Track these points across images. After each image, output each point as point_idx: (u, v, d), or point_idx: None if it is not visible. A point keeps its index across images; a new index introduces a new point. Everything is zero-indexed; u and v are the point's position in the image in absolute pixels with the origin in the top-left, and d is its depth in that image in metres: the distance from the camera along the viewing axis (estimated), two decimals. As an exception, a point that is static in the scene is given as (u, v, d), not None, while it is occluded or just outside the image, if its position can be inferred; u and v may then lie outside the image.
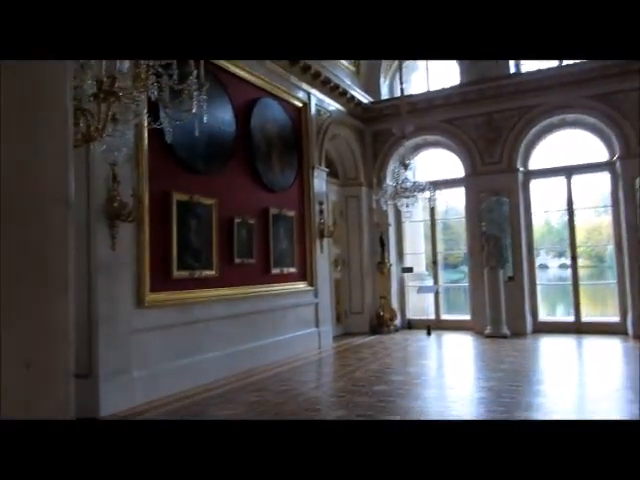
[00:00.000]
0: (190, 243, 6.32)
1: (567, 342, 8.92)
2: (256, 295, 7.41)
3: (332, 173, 10.30)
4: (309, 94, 8.90)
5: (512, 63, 9.91)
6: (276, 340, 7.72)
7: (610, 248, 10.02)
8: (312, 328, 8.76)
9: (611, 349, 8.19)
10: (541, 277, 10.60)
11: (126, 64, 3.79)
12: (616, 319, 9.54)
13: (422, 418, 4.68)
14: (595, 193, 10.45)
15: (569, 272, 10.12)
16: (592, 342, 8.79)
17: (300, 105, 8.76)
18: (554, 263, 12.71)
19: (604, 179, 9.72)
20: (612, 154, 9.39)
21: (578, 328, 9.63)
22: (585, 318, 9.82)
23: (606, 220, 10.05)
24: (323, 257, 9.22)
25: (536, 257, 10.42)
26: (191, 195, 6.31)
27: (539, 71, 9.58)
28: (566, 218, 10.10)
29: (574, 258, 9.93)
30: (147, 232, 5.68)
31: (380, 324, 10.52)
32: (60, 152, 1.88)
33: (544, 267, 12.29)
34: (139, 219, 5.50)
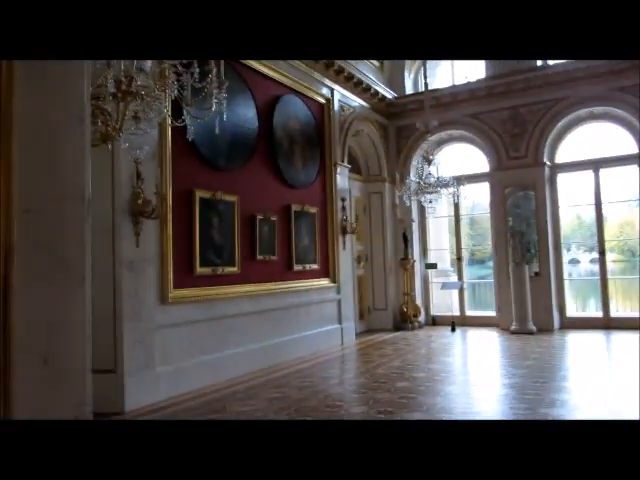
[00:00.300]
0: (212, 240, 6.39)
1: (594, 338, 8.74)
2: (278, 291, 7.45)
3: (355, 169, 10.28)
4: (332, 90, 8.89)
5: (538, 55, 9.70)
6: (299, 336, 7.76)
7: (627, 243, 9.76)
8: (335, 324, 8.77)
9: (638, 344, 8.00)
10: (572, 272, 10.42)
11: (149, 63, 3.86)
12: (644, 315, 9.30)
13: (444, 415, 4.65)
14: (625, 186, 10.18)
15: (595, 267, 9.92)
16: (620, 337, 8.60)
17: (323, 101, 8.76)
18: (585, 258, 12.47)
19: (634, 172, 9.45)
20: (643, 146, 9.13)
21: (607, 323, 9.43)
22: (614, 313, 9.60)
23: (622, 215, 9.79)
24: (346, 253, 9.22)
25: (567, 252, 10.23)
26: (213, 192, 6.38)
27: (567, 63, 9.35)
28: (594, 212, 9.87)
29: (602, 253, 9.70)
30: (170, 229, 5.76)
31: (404, 320, 10.46)
32: (78, 151, 1.93)
33: (575, 262, 12.06)
34: (162, 216, 5.58)
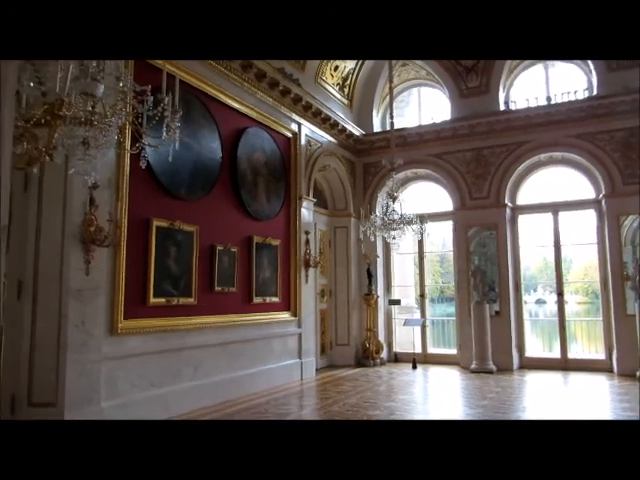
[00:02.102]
0: (169, 270, 6.26)
1: (552, 378, 8.79)
2: (236, 324, 7.32)
3: (322, 203, 10.33)
4: (299, 125, 8.99)
5: (502, 101, 10.05)
6: (256, 371, 7.60)
7: (584, 285, 9.99)
8: (295, 359, 8.64)
9: (595, 387, 8.07)
10: (539, 312, 10.57)
11: (101, 88, 3.81)
12: (602, 357, 9.44)
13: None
14: (584, 230, 10.48)
15: (555, 308, 10.09)
16: (577, 379, 8.67)
17: (290, 135, 8.84)
18: (551, 298, 12.69)
19: (591, 216, 9.74)
20: (598, 192, 9.45)
21: (565, 365, 9.52)
22: (572, 355, 9.73)
23: (579, 257, 10.09)
24: (308, 287, 9.16)
25: (534, 292, 10.40)
26: (172, 221, 6.29)
27: (528, 109, 9.72)
28: (553, 254, 10.10)
29: (561, 294, 9.88)
30: (124, 258, 5.63)
31: (366, 356, 10.38)
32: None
33: (542, 302, 12.25)
34: (116, 244, 5.45)
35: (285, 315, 8.51)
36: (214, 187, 7.06)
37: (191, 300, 6.55)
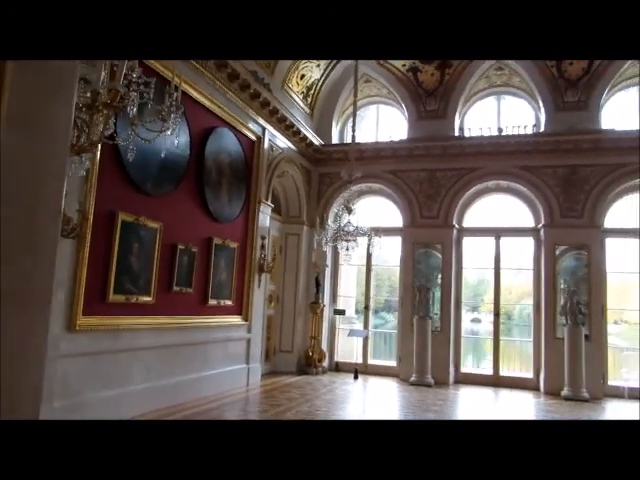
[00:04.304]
0: (130, 266, 6.03)
1: (486, 394, 9.26)
2: (190, 326, 7.15)
3: (275, 209, 10.30)
4: (264, 129, 8.96)
5: (457, 127, 10.53)
6: (205, 375, 7.45)
7: (519, 307, 10.66)
8: (242, 364, 8.54)
9: (526, 403, 8.61)
10: (473, 330, 11.05)
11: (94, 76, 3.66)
12: (530, 375, 10.06)
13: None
14: (512, 255, 11.10)
15: (490, 327, 10.66)
16: (508, 395, 9.19)
17: (254, 138, 8.78)
18: (486, 318, 13.34)
19: (528, 243, 10.40)
20: (538, 222, 10.12)
21: (496, 381, 10.05)
22: (503, 372, 10.28)
23: (516, 281, 10.79)
24: (260, 292, 9.11)
25: (469, 311, 10.87)
26: (137, 216, 6.08)
27: (481, 137, 10.26)
28: (492, 276, 10.67)
29: (497, 314, 10.45)
30: (87, 251, 5.36)
31: (308, 364, 10.43)
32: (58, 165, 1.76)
33: (477, 321, 12.83)
34: (81, 236, 5.19)
35: (237, 319, 8.41)
36: (180, 184, 6.89)
37: (149, 299, 6.34)
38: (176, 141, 5.87)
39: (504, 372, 10.32)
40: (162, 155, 6.30)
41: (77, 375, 5.23)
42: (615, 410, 8.38)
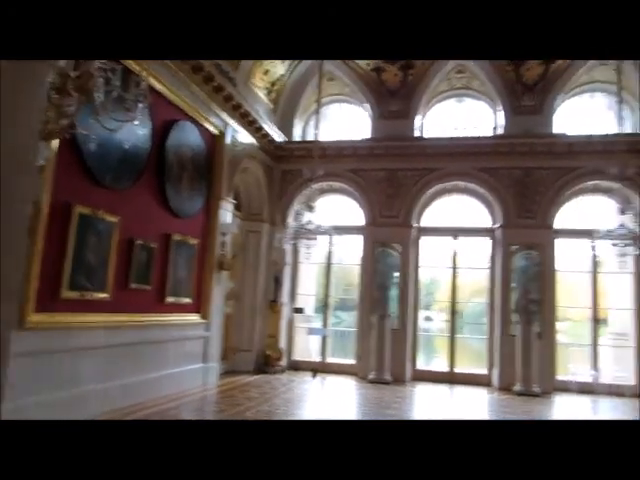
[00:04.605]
0: (86, 261, 5.78)
1: (442, 390, 9.44)
2: (148, 324, 6.93)
3: (236, 205, 10.14)
4: (226, 124, 8.79)
5: (418, 127, 10.67)
6: (162, 374, 7.24)
7: (472, 305, 10.93)
8: (199, 364, 8.35)
9: (483, 399, 8.82)
10: (425, 328, 11.24)
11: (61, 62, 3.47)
12: (484, 372, 10.32)
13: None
14: (468, 254, 11.36)
15: (444, 325, 10.91)
16: (463, 392, 9.39)
17: (216, 133, 8.61)
18: (436, 316, 13.57)
19: (484, 243, 10.66)
20: (494, 222, 10.39)
21: (451, 378, 10.25)
22: (457, 369, 10.49)
23: (470, 280, 11.08)
24: (219, 290, 8.93)
25: (421, 309, 11.03)
26: (95, 210, 5.82)
27: (441, 139, 10.44)
28: (445, 275, 10.89)
29: (453, 313, 10.66)
30: (40, 244, 5.09)
31: (266, 363, 10.33)
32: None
33: (429, 319, 13.06)
34: (33, 229, 4.92)
35: (195, 317, 8.22)
36: (140, 177, 6.67)
37: (105, 296, 6.09)
38: (141, 132, 5.67)
39: (458, 369, 10.53)
40: (125, 147, 6.12)
41: (27, 376, 4.95)
42: (564, 404, 8.70)
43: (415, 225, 10.64)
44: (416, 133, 10.61)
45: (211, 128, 8.45)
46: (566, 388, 9.53)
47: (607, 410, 8.41)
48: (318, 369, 10.41)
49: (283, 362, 10.70)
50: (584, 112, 10.37)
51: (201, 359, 8.41)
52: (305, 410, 7.21)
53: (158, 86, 6.85)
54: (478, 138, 10.32)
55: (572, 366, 10.12)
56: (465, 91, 10.80)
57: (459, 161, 10.22)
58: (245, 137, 9.52)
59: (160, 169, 7.13)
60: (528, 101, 10.00)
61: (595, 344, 10.00)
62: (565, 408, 8.50)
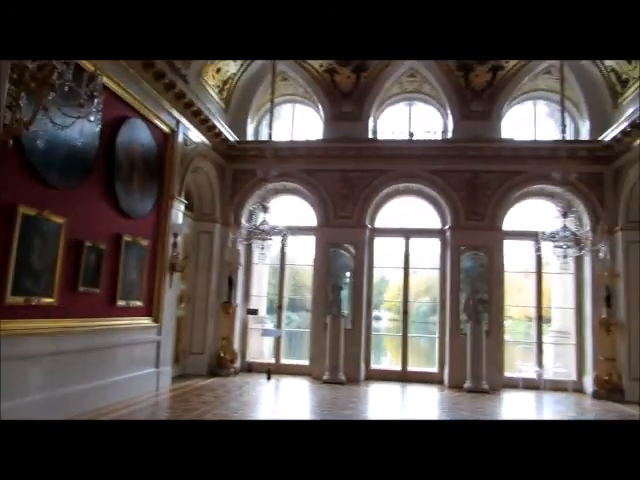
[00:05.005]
0: (31, 265, 5.48)
1: (395, 389, 9.58)
2: (97, 329, 6.65)
3: (187, 206, 9.91)
4: (178, 122, 8.57)
5: (371, 129, 10.78)
6: (113, 381, 6.98)
7: (419, 305, 11.19)
8: (151, 368, 8.11)
9: (431, 397, 9.01)
10: (374, 328, 11.36)
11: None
12: (435, 370, 10.56)
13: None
14: (419, 255, 11.62)
15: (393, 325, 11.10)
16: (415, 390, 9.56)
17: (168, 131, 8.38)
18: (385, 315, 13.78)
19: (435, 244, 10.90)
20: (444, 224, 10.64)
21: (404, 376, 10.43)
22: (410, 368, 10.68)
23: (420, 280, 11.37)
24: (171, 292, 8.71)
25: (374, 309, 11.17)
26: (40, 210, 5.53)
27: (393, 141, 10.59)
28: (401, 275, 11.06)
29: (405, 312, 10.84)
30: (-19, 247, 4.79)
31: (220, 366, 10.16)
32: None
33: (378, 319, 13.25)
34: (-26, 231, 4.62)
35: (146, 321, 7.97)
36: (88, 176, 6.39)
37: (52, 300, 5.80)
38: (90, 129, 5.42)
39: (411, 368, 10.72)
40: (72, 144, 5.84)
41: (-32, 387, 4.65)
42: (512, 400, 9.03)
43: (369, 226, 10.75)
44: (369, 135, 10.71)
45: (162, 126, 8.21)
46: (513, 385, 9.89)
47: (550, 404, 8.78)
48: (272, 370, 10.32)
49: (237, 364, 10.56)
50: (528, 119, 10.80)
51: (153, 364, 8.17)
52: (262, 412, 7.13)
53: (107, 81, 6.57)
54: (428, 141, 10.54)
55: (519, 363, 10.51)
56: (416, 95, 11.00)
57: (411, 163, 10.41)
58: (197, 136, 9.32)
59: (110, 168, 6.86)
60: (477, 106, 10.30)
61: (540, 342, 10.43)
62: (513, 404, 8.81)
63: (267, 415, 7.11)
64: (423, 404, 8.58)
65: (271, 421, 4.25)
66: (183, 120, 8.71)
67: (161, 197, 8.28)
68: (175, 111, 8.40)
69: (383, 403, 8.55)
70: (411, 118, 11.09)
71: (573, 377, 10.05)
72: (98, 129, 6.39)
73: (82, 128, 6.09)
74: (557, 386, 9.86)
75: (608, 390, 9.16)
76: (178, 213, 8.83)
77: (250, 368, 10.83)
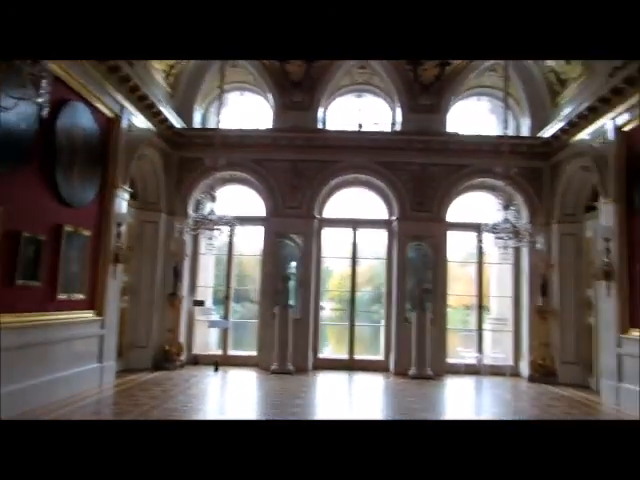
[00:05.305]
0: (-36, 257, 5.11)
1: (343, 378, 9.72)
2: (37, 324, 6.31)
3: (131, 194, 9.55)
4: (122, 107, 8.21)
5: (321, 120, 10.77)
6: (54, 378, 6.67)
7: (359, 295, 11.39)
8: (94, 364, 7.82)
9: (378, 384, 9.22)
10: (322, 317, 11.45)
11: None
12: (381, 358, 10.79)
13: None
14: (366, 245, 11.81)
15: (339, 314, 11.24)
16: (363, 378, 9.74)
17: (112, 116, 8.01)
18: (327, 305, 13.90)
19: (382, 235, 11.09)
20: (391, 214, 10.83)
21: (351, 365, 10.59)
22: (356, 356, 10.85)
23: (366, 270, 11.57)
24: (114, 284, 8.39)
25: (321, 299, 11.24)
26: (-26, 199, 5.16)
27: (343, 132, 10.63)
28: (345, 265, 11.19)
29: (353, 302, 10.98)
30: None
31: (166, 359, 9.93)
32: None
33: (321, 308, 13.36)
34: None
35: (89, 314, 7.66)
36: (26, 162, 6.01)
37: (-12, 295, 5.45)
38: (27, 111, 5.09)
39: (358, 356, 10.90)
40: (7, 126, 5.46)
41: None
42: (454, 385, 9.38)
43: (317, 216, 10.77)
44: (319, 125, 10.70)
45: (105, 111, 7.84)
46: (455, 370, 10.27)
47: (489, 388, 9.19)
48: (220, 362, 10.20)
49: (183, 357, 10.35)
50: (473, 114, 11.14)
51: (96, 358, 7.89)
52: (213, 405, 7.04)
53: (49, 64, 6.19)
54: (377, 133, 10.67)
55: (460, 350, 10.91)
56: (366, 87, 11.08)
57: (360, 155, 10.50)
58: (142, 122, 8.97)
59: (49, 153, 6.49)
60: (425, 100, 10.50)
61: (480, 329, 10.88)
62: (456, 389, 9.15)
63: (217, 407, 7.02)
64: (370, 391, 8.75)
65: (249, 421, 4.21)
66: (127, 105, 8.35)
67: (104, 185, 7.94)
68: (119, 95, 8.04)
69: (332, 392, 8.65)
70: (360, 110, 11.15)
71: (510, 362, 10.56)
72: (36, 111, 6.06)
73: (19, 110, 5.73)
74: (496, 371, 10.33)
75: (542, 374, 9.70)
76: (122, 202, 8.50)
77: (196, 361, 10.65)
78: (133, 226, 9.80)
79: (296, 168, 10.60)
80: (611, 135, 8.00)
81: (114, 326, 8.48)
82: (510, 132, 10.33)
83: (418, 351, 9.93)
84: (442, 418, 5.82)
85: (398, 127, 10.68)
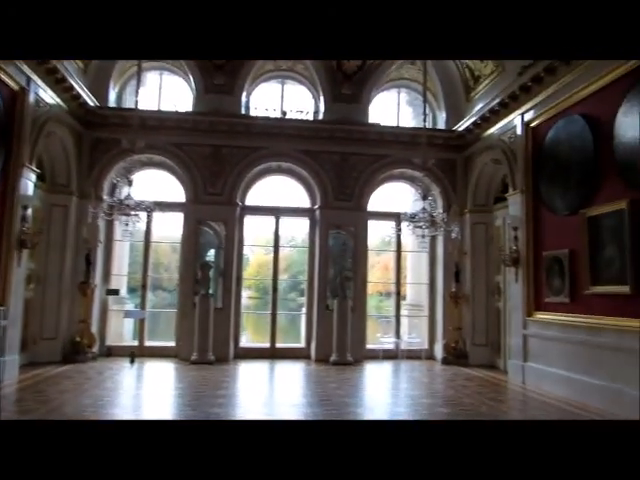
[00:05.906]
0: None
1: (265, 366, 9.68)
2: None
3: (38, 175, 8.87)
4: (29, 79, 7.57)
5: (244, 105, 10.57)
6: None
7: (286, 282, 11.50)
8: (-5, 357, 7.20)
9: (299, 371, 9.31)
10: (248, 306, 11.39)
11: None
12: (302, 345, 10.88)
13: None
14: (288, 233, 11.86)
15: (259, 302, 11.22)
16: (284, 366, 9.77)
17: (17, 89, 7.36)
18: (244, 294, 13.81)
19: (304, 223, 11.14)
20: (314, 203, 10.90)
21: (272, 353, 10.59)
22: (278, 344, 10.86)
23: (284, 258, 11.69)
24: (20, 272, 7.77)
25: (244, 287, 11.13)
26: None
27: (266, 118, 10.51)
28: (264, 253, 11.14)
29: (275, 290, 10.96)
30: None
31: (77, 351, 9.37)
32: None
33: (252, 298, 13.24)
34: None
35: (-10, 304, 7.04)
36: None
37: None
38: None
39: (279, 344, 10.91)
40: None
41: None
42: (373, 369, 9.66)
43: (239, 203, 10.60)
44: (242, 110, 10.51)
45: (10, 82, 7.19)
46: (374, 356, 10.57)
47: (406, 372, 9.56)
48: (136, 353, 9.78)
49: (95, 349, 9.82)
50: (392, 105, 11.44)
51: (-3, 352, 7.26)
52: (132, 399, 6.72)
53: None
54: (300, 121, 10.67)
55: (379, 335, 11.25)
56: (290, 73, 11.03)
57: (283, 142, 10.45)
58: (51, 97, 8.33)
59: (-55, 126, 5.86)
60: (347, 90, 10.64)
61: (398, 315, 11.27)
62: (375, 373, 9.43)
63: (136, 401, 6.72)
64: (293, 379, 8.79)
65: (228, 421, 4.05)
66: (35, 78, 7.71)
67: (7, 164, 7.30)
68: (26, 66, 7.40)
69: (254, 380, 8.59)
70: (284, 97, 11.09)
71: (425, 346, 11.05)
72: None
73: None
74: (412, 355, 10.77)
75: (455, 356, 10.24)
76: (28, 183, 7.86)
77: (110, 352, 10.15)
78: (41, 210, 9.11)
79: (218, 153, 10.36)
80: (519, 130, 8.56)
81: (18, 317, 7.86)
82: (428, 125, 10.73)
83: (339, 338, 10.11)
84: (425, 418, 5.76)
85: (321, 116, 10.74)
